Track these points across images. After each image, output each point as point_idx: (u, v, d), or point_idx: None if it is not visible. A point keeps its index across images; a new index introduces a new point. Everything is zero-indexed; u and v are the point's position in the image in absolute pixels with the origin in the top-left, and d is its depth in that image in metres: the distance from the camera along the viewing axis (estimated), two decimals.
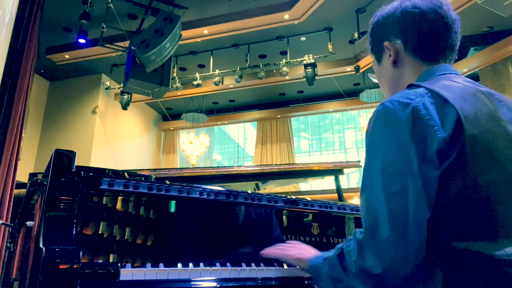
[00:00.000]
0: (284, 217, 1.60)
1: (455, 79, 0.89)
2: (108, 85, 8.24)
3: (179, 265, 1.20)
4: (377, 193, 0.79)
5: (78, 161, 1.22)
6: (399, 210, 0.76)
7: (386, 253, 0.75)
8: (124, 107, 7.99)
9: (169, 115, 10.80)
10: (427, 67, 0.95)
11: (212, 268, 1.23)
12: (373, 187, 0.81)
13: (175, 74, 7.60)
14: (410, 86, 0.88)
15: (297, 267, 1.18)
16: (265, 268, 1.33)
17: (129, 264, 1.16)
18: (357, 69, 7.60)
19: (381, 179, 0.79)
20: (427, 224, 0.76)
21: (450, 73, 0.92)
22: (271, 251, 1.27)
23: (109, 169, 1.34)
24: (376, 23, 1.05)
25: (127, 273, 1.10)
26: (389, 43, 0.99)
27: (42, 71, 8.36)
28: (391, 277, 0.75)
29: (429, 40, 0.94)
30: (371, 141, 0.85)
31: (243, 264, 1.31)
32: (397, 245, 0.75)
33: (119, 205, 1.25)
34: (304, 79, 7.13)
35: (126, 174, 1.41)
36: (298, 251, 1.17)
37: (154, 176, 1.64)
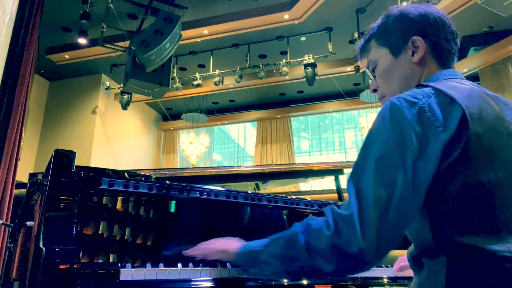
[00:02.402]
0: (284, 217, 1.60)
1: (462, 82, 0.93)
2: (108, 85, 8.24)
3: (179, 265, 1.20)
4: (367, 179, 0.81)
5: (78, 161, 1.22)
6: (384, 199, 0.78)
7: (365, 235, 0.78)
8: (124, 107, 7.99)
9: (169, 115, 10.80)
10: (439, 70, 1.00)
11: (212, 268, 1.23)
12: (365, 173, 0.83)
13: (175, 74, 7.59)
14: (418, 86, 0.91)
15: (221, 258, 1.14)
16: None
17: (129, 264, 1.16)
18: (357, 69, 7.58)
19: (373, 167, 0.81)
20: (413, 216, 0.80)
21: (456, 77, 0.96)
22: (193, 251, 1.21)
23: (109, 169, 1.34)
24: (404, 15, 1.04)
25: (127, 273, 1.10)
26: (421, 39, 1.00)
27: (42, 71, 8.36)
28: (359, 258, 0.78)
29: (448, 45, 1.00)
30: (372, 130, 0.87)
31: None
32: (376, 230, 0.77)
33: (119, 205, 1.25)
34: (304, 79, 7.13)
35: (126, 174, 1.41)
36: (223, 242, 1.15)
37: (154, 176, 1.64)
